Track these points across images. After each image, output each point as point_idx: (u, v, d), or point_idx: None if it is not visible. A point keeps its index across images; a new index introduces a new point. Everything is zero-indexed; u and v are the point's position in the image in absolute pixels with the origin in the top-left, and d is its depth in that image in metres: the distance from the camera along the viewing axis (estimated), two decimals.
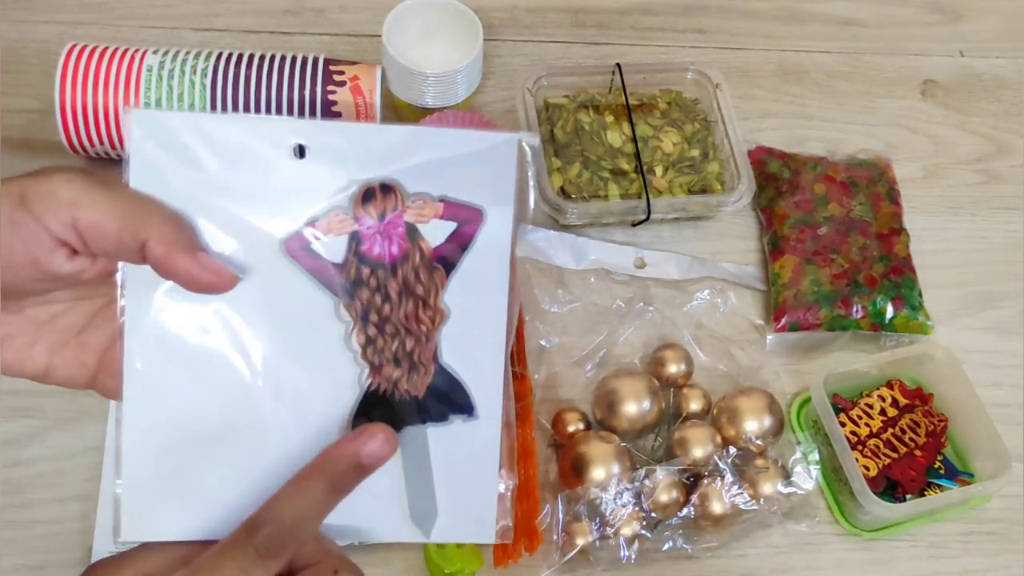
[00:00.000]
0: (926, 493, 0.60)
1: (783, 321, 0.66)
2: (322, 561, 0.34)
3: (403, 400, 0.37)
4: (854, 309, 0.66)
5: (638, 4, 0.84)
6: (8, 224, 0.31)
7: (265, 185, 0.35)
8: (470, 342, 0.37)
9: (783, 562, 0.59)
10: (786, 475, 0.58)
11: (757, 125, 0.78)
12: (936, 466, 0.61)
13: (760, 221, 0.73)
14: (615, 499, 0.55)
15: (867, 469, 0.59)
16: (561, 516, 0.55)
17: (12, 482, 0.56)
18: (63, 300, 0.37)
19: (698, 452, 0.58)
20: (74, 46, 0.63)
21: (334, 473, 0.34)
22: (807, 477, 0.58)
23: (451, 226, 0.37)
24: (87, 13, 0.75)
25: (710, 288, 0.68)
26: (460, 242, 0.37)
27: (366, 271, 0.36)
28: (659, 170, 0.69)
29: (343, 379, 0.36)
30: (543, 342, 0.64)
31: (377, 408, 0.37)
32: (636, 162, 0.69)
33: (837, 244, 0.69)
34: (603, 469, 0.56)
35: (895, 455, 0.61)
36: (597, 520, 0.55)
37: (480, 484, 0.38)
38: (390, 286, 0.36)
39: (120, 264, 0.34)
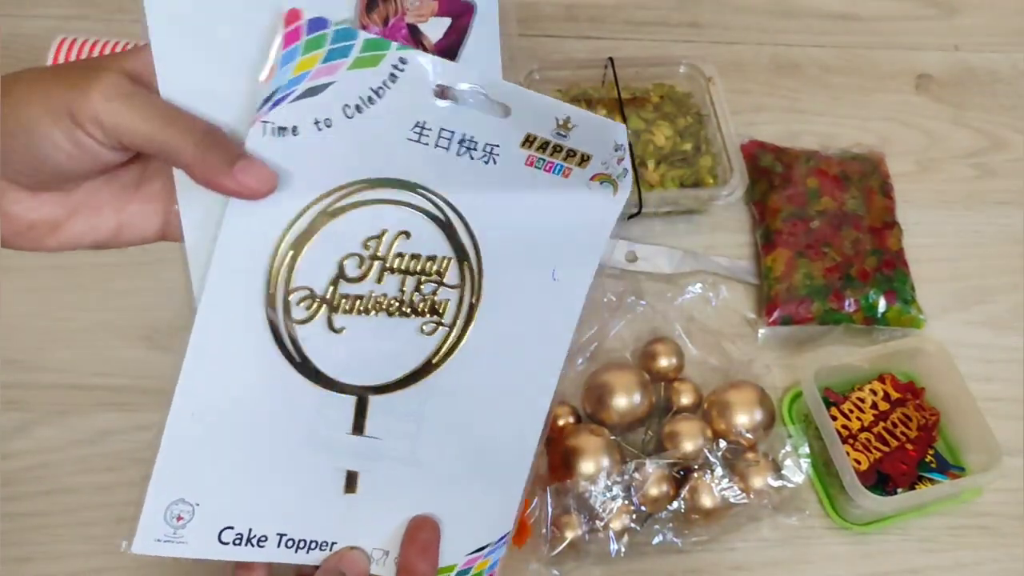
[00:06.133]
0: (917, 487, 0.60)
1: (775, 315, 0.66)
2: None
3: None
4: (846, 303, 0.66)
5: None
6: (66, 139, 0.34)
7: (271, 13, 0.34)
8: None
9: (773, 556, 0.59)
10: (776, 468, 0.58)
11: (750, 119, 0.77)
12: (927, 460, 0.61)
13: (752, 215, 0.73)
14: (604, 492, 0.55)
15: (858, 463, 0.59)
16: (550, 509, 0.55)
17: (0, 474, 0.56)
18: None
19: (688, 446, 0.58)
20: (63, 40, 0.63)
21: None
22: (797, 470, 0.58)
23: (447, 21, 0.38)
24: (77, 7, 0.75)
25: (702, 282, 0.68)
26: (457, 34, 0.38)
27: None
28: (651, 164, 0.69)
29: None
30: None
31: None
32: None
33: (830, 238, 0.69)
34: (593, 462, 0.56)
35: (886, 449, 0.60)
36: (586, 514, 0.55)
37: None
38: None
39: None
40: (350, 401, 0.40)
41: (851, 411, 0.62)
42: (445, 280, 0.40)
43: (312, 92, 0.35)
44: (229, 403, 0.38)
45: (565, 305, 0.43)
